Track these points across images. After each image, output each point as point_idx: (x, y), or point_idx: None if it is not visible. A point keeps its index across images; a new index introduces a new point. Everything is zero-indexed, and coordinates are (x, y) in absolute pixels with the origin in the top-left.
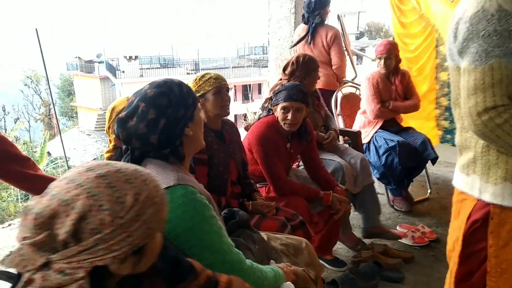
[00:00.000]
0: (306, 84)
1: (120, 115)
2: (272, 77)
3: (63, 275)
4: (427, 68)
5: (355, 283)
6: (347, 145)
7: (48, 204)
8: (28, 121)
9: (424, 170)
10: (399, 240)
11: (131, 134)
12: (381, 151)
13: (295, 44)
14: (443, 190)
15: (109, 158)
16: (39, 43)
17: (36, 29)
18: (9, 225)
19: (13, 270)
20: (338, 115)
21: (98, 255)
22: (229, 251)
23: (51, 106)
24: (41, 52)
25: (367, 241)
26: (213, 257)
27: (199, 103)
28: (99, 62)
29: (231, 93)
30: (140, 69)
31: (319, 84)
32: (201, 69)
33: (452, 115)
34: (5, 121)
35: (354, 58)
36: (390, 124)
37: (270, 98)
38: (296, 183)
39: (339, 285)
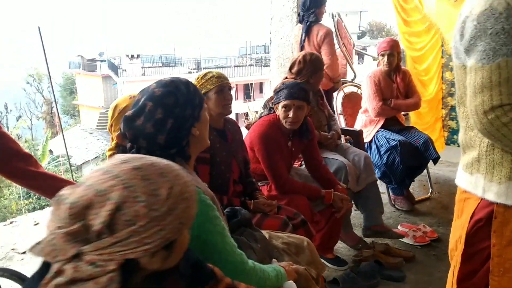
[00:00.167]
0: (312, 82)
1: (127, 114)
2: (274, 76)
3: (95, 266)
4: (433, 68)
5: (356, 282)
6: (349, 144)
7: (83, 194)
8: (30, 119)
9: (425, 170)
10: (401, 239)
11: (138, 134)
12: (382, 150)
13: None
14: (445, 190)
15: (111, 156)
16: (42, 41)
17: (38, 27)
18: (11, 222)
19: (37, 260)
20: (340, 114)
21: (130, 248)
22: (232, 252)
23: (53, 104)
24: (44, 50)
25: (368, 240)
26: (216, 257)
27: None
28: (101, 61)
29: (232, 92)
30: (142, 68)
31: None
32: (203, 68)
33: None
34: (7, 119)
35: (355, 58)
36: (391, 123)
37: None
38: (298, 182)
39: (340, 284)
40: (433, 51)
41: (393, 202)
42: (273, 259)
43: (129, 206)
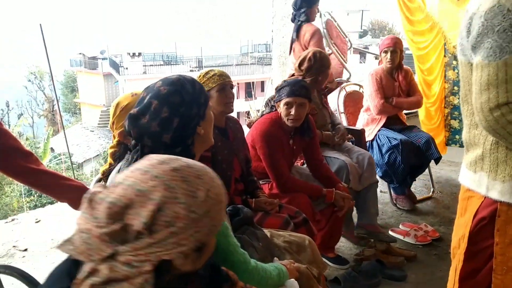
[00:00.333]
0: (320, 80)
1: (131, 112)
2: (275, 74)
3: (131, 267)
4: (436, 67)
5: (358, 281)
6: (351, 143)
7: (124, 194)
8: (32, 117)
9: (427, 169)
10: (402, 238)
11: (143, 132)
12: (384, 150)
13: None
14: (446, 189)
15: (113, 154)
16: (43, 38)
17: (40, 24)
18: (13, 220)
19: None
20: (342, 113)
21: (166, 249)
22: (234, 252)
23: (55, 102)
24: (45, 47)
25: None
26: (219, 257)
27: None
28: (102, 59)
29: (234, 90)
30: (143, 66)
31: None
32: (204, 66)
33: (461, 114)
34: (8, 117)
35: (357, 57)
36: (393, 122)
37: None
38: (299, 180)
39: (341, 283)
40: (436, 50)
41: (394, 201)
42: (275, 258)
43: (169, 207)
